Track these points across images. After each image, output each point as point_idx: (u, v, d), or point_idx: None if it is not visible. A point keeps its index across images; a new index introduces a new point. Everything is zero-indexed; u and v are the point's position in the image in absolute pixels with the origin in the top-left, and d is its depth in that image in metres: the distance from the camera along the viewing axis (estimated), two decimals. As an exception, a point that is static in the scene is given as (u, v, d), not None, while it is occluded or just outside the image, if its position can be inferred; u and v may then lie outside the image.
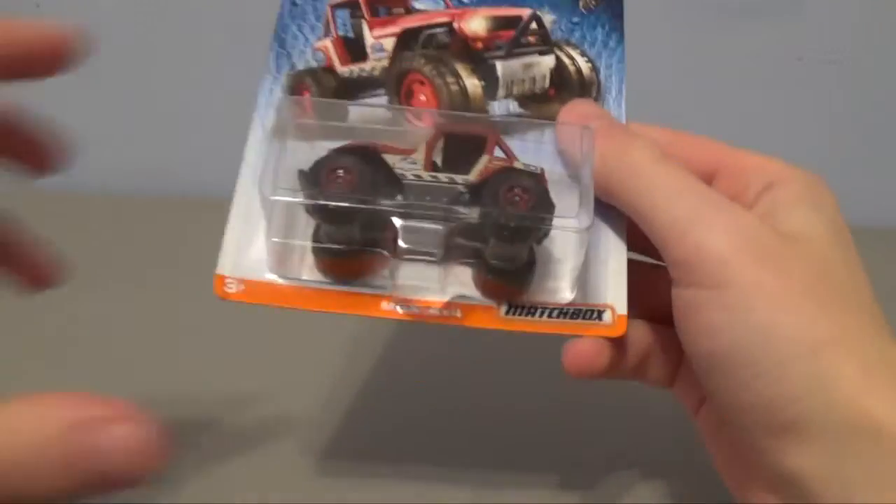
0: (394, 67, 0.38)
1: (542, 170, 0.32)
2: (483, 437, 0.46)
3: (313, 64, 0.38)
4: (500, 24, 0.38)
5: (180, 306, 0.50)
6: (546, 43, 0.39)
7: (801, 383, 0.28)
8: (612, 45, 0.39)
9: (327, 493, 0.43)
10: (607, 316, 0.33)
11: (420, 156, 0.32)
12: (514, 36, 0.38)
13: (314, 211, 0.31)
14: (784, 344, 0.28)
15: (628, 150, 0.33)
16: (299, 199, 0.30)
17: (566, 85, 0.38)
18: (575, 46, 0.39)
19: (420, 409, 0.48)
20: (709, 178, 0.34)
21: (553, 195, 0.31)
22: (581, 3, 0.39)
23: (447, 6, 0.39)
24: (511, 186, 0.30)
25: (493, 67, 0.38)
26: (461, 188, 0.31)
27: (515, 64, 0.38)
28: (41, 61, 0.29)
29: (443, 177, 0.31)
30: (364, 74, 0.38)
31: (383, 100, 0.38)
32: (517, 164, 0.32)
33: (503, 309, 0.33)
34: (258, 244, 0.33)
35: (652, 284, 0.34)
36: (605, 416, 0.48)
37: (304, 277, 0.33)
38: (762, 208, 0.32)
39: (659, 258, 0.33)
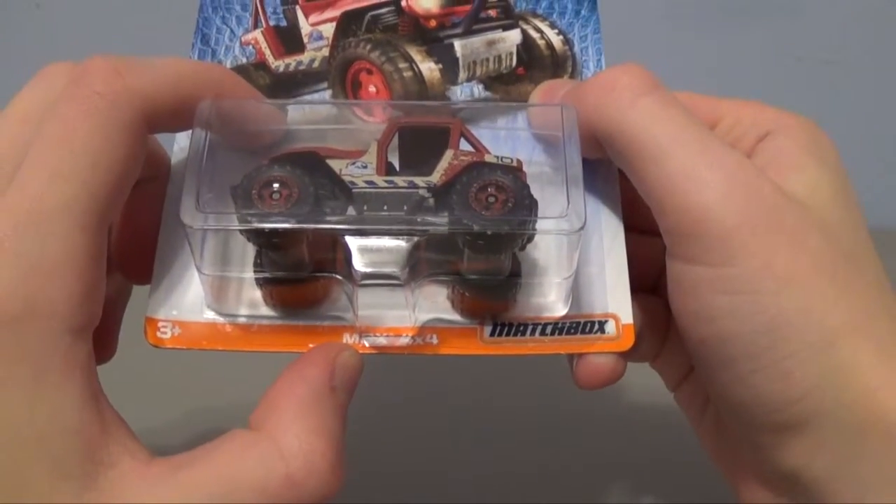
0: (336, 57, 0.33)
1: (518, 161, 0.27)
2: (480, 438, 0.46)
3: (242, 60, 0.33)
4: (455, -3, 0.33)
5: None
6: (509, 16, 0.34)
7: (809, 380, 0.25)
8: (584, 14, 0.34)
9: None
10: (610, 327, 0.28)
11: (372, 157, 0.26)
12: (471, 9, 0.33)
13: (250, 237, 0.25)
14: (794, 336, 0.25)
15: (615, 87, 0.27)
16: (223, 224, 0.25)
17: (537, 62, 0.33)
18: (543, 18, 0.34)
19: (416, 409, 0.47)
20: None
21: (535, 190, 0.26)
22: None
23: (392, -18, 0.33)
24: (483, 185, 0.25)
25: (451, 47, 0.33)
26: (423, 192, 0.26)
27: (477, 42, 0.33)
28: None
29: (400, 180, 0.26)
30: (302, 67, 0.33)
31: (326, 95, 0.32)
32: (489, 158, 0.27)
33: (487, 330, 0.28)
34: (195, 278, 0.28)
35: (636, 246, 0.29)
36: (604, 417, 0.47)
37: (250, 313, 0.28)
38: (762, 160, 0.28)
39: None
